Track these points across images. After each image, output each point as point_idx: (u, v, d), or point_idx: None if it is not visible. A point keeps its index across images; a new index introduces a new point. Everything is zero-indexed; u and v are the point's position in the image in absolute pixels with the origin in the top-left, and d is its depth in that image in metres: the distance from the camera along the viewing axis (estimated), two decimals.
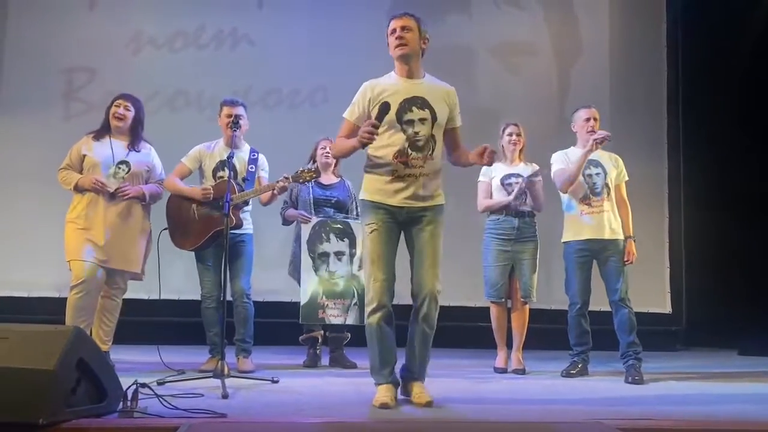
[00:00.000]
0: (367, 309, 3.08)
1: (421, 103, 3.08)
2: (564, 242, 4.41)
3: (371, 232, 3.08)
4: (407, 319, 3.16)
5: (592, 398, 3.45)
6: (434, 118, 3.09)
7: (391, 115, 3.03)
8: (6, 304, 5.62)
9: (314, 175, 4.22)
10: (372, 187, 3.12)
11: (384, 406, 2.95)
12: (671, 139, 6.67)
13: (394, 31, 3.10)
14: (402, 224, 3.13)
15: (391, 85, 3.12)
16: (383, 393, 3.03)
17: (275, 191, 4.19)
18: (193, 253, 4.31)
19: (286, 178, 4.14)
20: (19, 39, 6.15)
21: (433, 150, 3.10)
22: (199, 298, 4.36)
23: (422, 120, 3.06)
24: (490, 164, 3.19)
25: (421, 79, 3.16)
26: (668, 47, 6.75)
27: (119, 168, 4.10)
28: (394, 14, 3.14)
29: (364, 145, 3.00)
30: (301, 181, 4.21)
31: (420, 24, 3.12)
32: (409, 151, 3.06)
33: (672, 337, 6.44)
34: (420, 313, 3.09)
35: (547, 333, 5.17)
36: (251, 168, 4.32)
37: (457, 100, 3.20)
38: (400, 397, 3.14)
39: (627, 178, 4.44)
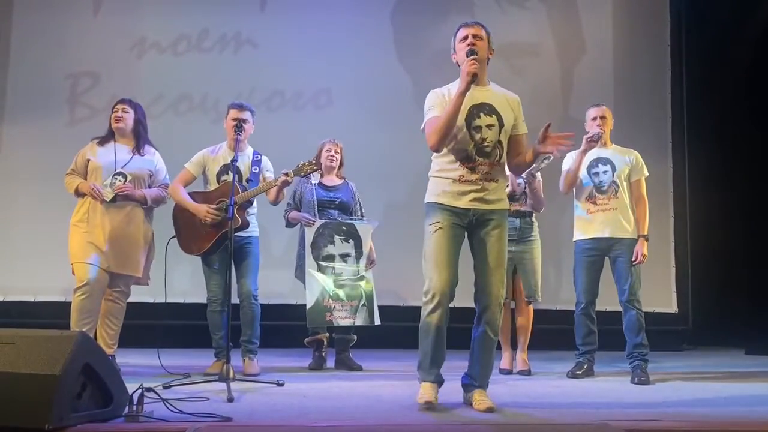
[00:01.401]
0: (426, 307, 3.05)
1: (489, 109, 3.11)
2: (574, 241, 4.40)
3: (435, 231, 3.07)
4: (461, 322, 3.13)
5: (599, 399, 3.43)
6: (501, 124, 3.12)
7: (460, 120, 3.05)
8: (12, 308, 5.64)
9: (315, 167, 4.22)
10: (438, 190, 3.13)
11: (429, 404, 2.98)
12: (676, 138, 6.64)
13: (465, 38, 3.13)
14: (467, 228, 3.12)
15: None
16: (427, 390, 3.04)
17: (279, 185, 4.18)
18: (198, 257, 4.32)
19: (287, 174, 4.14)
20: (24, 44, 6.17)
21: (500, 156, 3.13)
22: (205, 302, 4.36)
23: (489, 126, 3.09)
24: (557, 149, 3.10)
25: (487, 86, 3.19)
26: (672, 45, 6.73)
27: (115, 179, 4.11)
28: (466, 22, 3.21)
29: (473, 76, 2.98)
30: (302, 174, 4.21)
31: (489, 34, 3.19)
32: (476, 156, 3.08)
33: (678, 336, 6.42)
34: (483, 318, 3.09)
35: (553, 333, 5.17)
36: (255, 170, 4.33)
37: (521, 108, 3.23)
38: (461, 404, 3.14)
39: (647, 174, 4.36)
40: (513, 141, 3.20)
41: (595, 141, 4.24)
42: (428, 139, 3.10)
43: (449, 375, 3.21)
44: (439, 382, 3.12)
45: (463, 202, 3.08)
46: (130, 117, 4.23)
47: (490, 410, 2.95)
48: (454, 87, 3.14)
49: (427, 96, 3.21)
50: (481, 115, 3.10)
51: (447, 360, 3.15)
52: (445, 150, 3.10)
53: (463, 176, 3.08)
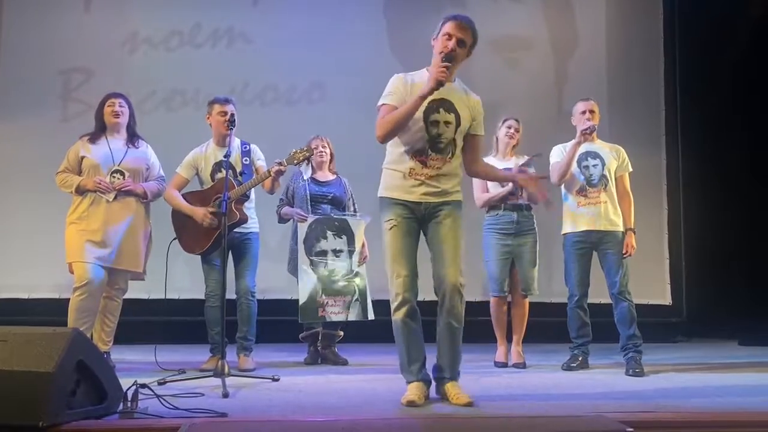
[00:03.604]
0: (392, 306, 3.04)
1: (449, 106, 3.08)
2: (563, 234, 4.41)
3: (390, 228, 3.07)
4: (434, 315, 3.11)
5: (594, 391, 3.45)
6: (458, 123, 3.09)
7: (418, 113, 3.01)
8: (6, 306, 5.61)
9: (307, 154, 4.17)
10: (390, 184, 3.12)
11: (411, 404, 2.92)
12: (669, 131, 6.66)
13: (450, 37, 3.04)
14: (421, 220, 3.11)
15: (424, 83, 3.03)
16: (412, 391, 2.99)
17: (272, 175, 4.15)
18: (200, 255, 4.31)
19: (280, 163, 4.12)
20: (15, 41, 6.13)
21: (452, 154, 3.10)
22: (200, 297, 4.36)
23: (447, 123, 3.07)
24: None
25: (452, 83, 3.14)
26: (665, 38, 6.73)
27: (114, 177, 4.10)
28: (455, 16, 3.09)
29: (439, 84, 2.93)
30: (295, 162, 4.16)
31: (476, 40, 3.11)
32: (430, 151, 3.06)
33: (672, 328, 6.44)
34: (444, 307, 3.05)
35: (547, 326, 5.17)
36: (245, 161, 4.31)
37: (482, 110, 3.20)
38: (435, 398, 3.09)
39: (631, 170, 4.41)
40: (469, 141, 3.17)
41: (589, 134, 4.26)
42: (377, 129, 3.07)
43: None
44: (425, 380, 3.06)
45: (415, 196, 3.07)
46: (127, 112, 4.24)
47: (469, 405, 2.92)
48: (418, 76, 3.12)
49: (391, 78, 3.16)
50: (441, 110, 3.06)
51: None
52: (398, 141, 3.09)
53: (414, 170, 3.07)
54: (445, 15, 3.14)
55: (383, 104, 3.12)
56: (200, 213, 4.16)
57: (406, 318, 3.01)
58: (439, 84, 2.94)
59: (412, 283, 3.03)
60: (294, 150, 4.16)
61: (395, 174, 3.11)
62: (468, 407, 2.89)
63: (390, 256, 3.07)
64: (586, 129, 4.24)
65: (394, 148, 3.13)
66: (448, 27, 3.07)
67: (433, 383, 3.12)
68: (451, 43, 3.03)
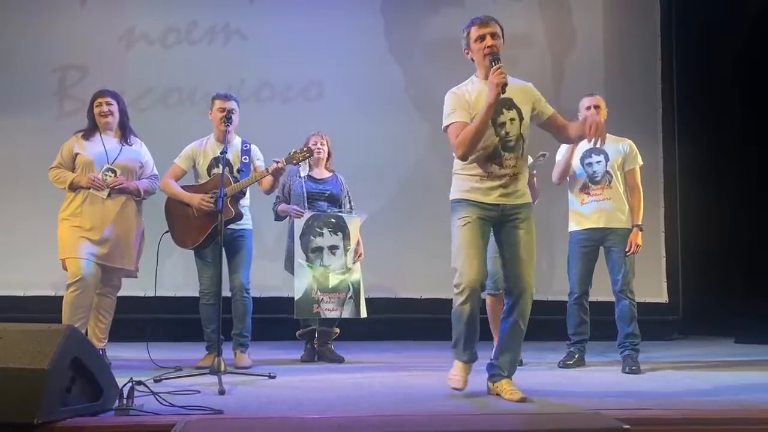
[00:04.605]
0: (457, 298, 3.10)
1: (510, 104, 3.14)
2: (569, 232, 4.39)
3: (464, 225, 3.12)
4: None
5: (590, 389, 3.45)
6: (521, 117, 3.15)
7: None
8: (2, 303, 5.60)
9: (307, 155, 4.19)
10: (466, 187, 3.16)
11: (456, 390, 3.14)
12: (666, 129, 6.65)
13: (482, 38, 3.12)
14: (494, 223, 3.17)
15: (478, 89, 3.14)
16: (459, 371, 3.16)
17: (271, 174, 4.15)
18: (191, 250, 4.30)
19: (279, 162, 4.11)
20: (10, 37, 6.09)
21: (522, 149, 3.17)
22: (196, 295, 4.35)
23: (512, 120, 3.13)
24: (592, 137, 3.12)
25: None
26: (662, 37, 6.73)
27: (106, 175, 4.09)
28: (479, 18, 3.17)
29: (503, 87, 2.97)
30: (294, 162, 4.18)
31: (502, 28, 3.17)
32: (503, 152, 3.12)
33: (669, 326, 6.44)
34: (515, 309, 3.13)
35: (545, 324, 5.15)
36: (244, 159, 4.31)
37: (537, 93, 3.24)
38: (488, 395, 3.16)
39: (641, 162, 4.33)
40: (549, 124, 3.25)
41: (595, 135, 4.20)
42: (456, 149, 3.11)
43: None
44: (472, 360, 3.20)
45: (492, 198, 3.12)
46: (115, 110, 4.21)
47: (522, 401, 2.97)
48: (471, 86, 3.17)
49: (446, 97, 3.20)
50: (503, 110, 3.12)
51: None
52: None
53: (492, 173, 3.12)
54: (462, 27, 3.22)
55: (452, 123, 3.14)
56: (197, 198, 4.15)
57: (470, 311, 3.08)
58: (503, 88, 2.98)
59: (481, 280, 3.09)
60: (293, 150, 4.16)
61: (471, 178, 3.15)
62: (521, 403, 2.95)
63: (461, 251, 3.10)
64: (590, 125, 4.18)
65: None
66: (474, 31, 3.16)
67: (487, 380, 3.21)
68: (488, 42, 3.10)
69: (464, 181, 3.18)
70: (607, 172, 4.27)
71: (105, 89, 4.28)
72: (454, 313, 3.15)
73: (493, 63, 3.02)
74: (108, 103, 4.18)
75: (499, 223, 3.17)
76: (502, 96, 3.02)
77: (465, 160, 3.12)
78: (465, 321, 3.10)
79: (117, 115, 4.21)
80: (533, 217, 3.20)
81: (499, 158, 3.11)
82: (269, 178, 4.23)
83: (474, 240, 3.09)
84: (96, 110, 4.18)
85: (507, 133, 3.12)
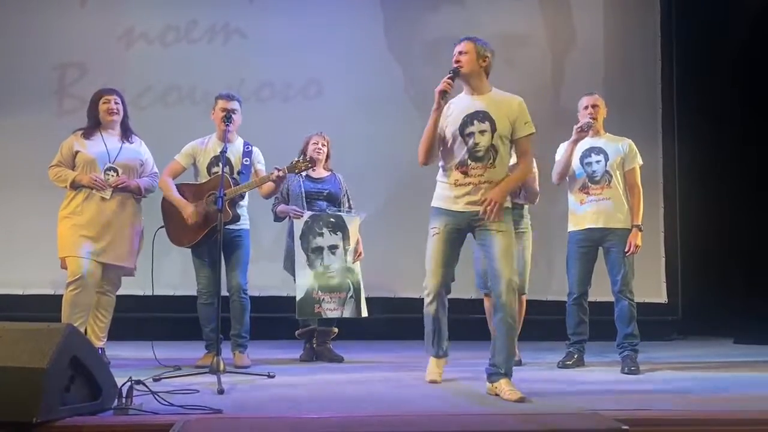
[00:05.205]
0: (425, 300, 3.46)
1: (483, 116, 3.31)
2: (568, 232, 4.39)
3: (433, 235, 3.40)
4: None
5: (589, 389, 3.45)
6: (494, 129, 3.29)
7: (455, 130, 3.32)
8: (1, 301, 5.59)
9: (309, 165, 4.21)
10: (440, 195, 3.43)
11: (433, 382, 3.50)
12: (666, 129, 6.65)
13: (454, 56, 3.38)
14: (466, 229, 3.38)
15: (458, 102, 3.40)
16: (433, 366, 3.58)
17: (273, 180, 4.15)
18: (188, 249, 4.29)
19: (281, 170, 4.11)
20: (10, 36, 6.09)
21: (493, 159, 3.30)
22: (195, 294, 4.35)
23: (482, 132, 3.29)
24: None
25: (484, 95, 3.38)
26: (662, 37, 6.72)
27: (108, 174, 4.09)
28: (459, 40, 3.42)
29: (441, 94, 3.26)
30: (296, 171, 4.19)
31: (477, 45, 3.36)
32: (469, 161, 3.30)
33: (668, 326, 6.44)
34: (500, 305, 3.23)
35: (544, 324, 5.18)
36: (246, 161, 4.31)
37: (522, 110, 3.37)
38: (487, 395, 3.20)
39: (641, 162, 4.31)
40: (514, 144, 3.41)
41: (585, 131, 4.22)
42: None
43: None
44: (441, 356, 3.58)
45: (460, 206, 3.33)
46: (121, 109, 4.23)
47: (521, 400, 3.00)
48: (454, 99, 3.41)
49: None
50: (475, 122, 3.31)
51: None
52: (444, 157, 3.40)
53: (458, 180, 3.33)
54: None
55: None
56: (189, 211, 4.14)
57: (435, 312, 3.45)
58: (441, 94, 3.27)
59: (444, 286, 3.43)
60: (296, 159, 4.19)
61: (444, 185, 3.41)
62: (520, 402, 2.99)
63: (428, 260, 3.41)
64: (581, 126, 4.20)
65: (443, 163, 3.42)
66: (454, 50, 3.41)
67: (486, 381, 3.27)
68: (455, 58, 3.37)
69: (439, 189, 3.44)
70: (606, 171, 4.26)
71: (109, 88, 4.30)
72: (424, 314, 3.51)
73: (449, 73, 3.30)
74: (116, 102, 4.20)
75: (471, 228, 3.36)
76: (474, 108, 3.31)
77: (423, 165, 3.43)
78: (432, 321, 3.48)
79: (122, 115, 4.22)
80: (510, 219, 3.33)
81: (465, 167, 3.31)
82: (270, 184, 4.23)
83: (441, 250, 3.37)
84: (103, 107, 4.18)
85: (476, 144, 3.28)
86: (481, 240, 3.33)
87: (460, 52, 3.35)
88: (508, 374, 3.17)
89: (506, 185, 3.30)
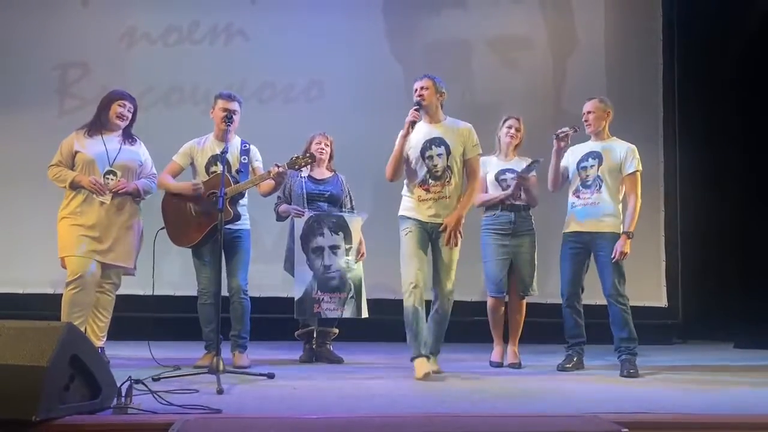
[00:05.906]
0: (404, 296, 3.82)
1: (439, 141, 3.91)
2: (562, 233, 4.39)
3: (406, 234, 3.89)
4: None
5: (588, 392, 3.45)
6: (449, 152, 3.89)
7: (417, 153, 3.90)
8: (1, 300, 5.59)
9: (309, 161, 4.19)
10: (407, 206, 3.97)
11: (426, 376, 3.66)
12: (667, 133, 6.64)
13: (416, 91, 3.94)
14: (430, 234, 3.89)
15: (418, 129, 3.93)
16: (420, 365, 3.73)
17: (273, 177, 4.15)
18: (189, 249, 4.29)
19: (281, 166, 4.11)
20: (11, 35, 6.10)
21: (450, 177, 3.90)
22: (195, 294, 4.34)
23: (439, 155, 3.89)
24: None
25: (440, 123, 3.98)
26: (664, 40, 6.72)
27: (107, 179, 4.09)
28: (419, 77, 3.98)
29: (409, 124, 3.83)
30: (296, 167, 4.18)
31: (435, 82, 3.93)
32: (430, 180, 3.88)
33: (668, 330, 6.43)
34: (435, 306, 3.93)
35: (543, 327, 5.16)
36: (243, 159, 4.31)
37: (472, 136, 3.97)
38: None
39: (640, 168, 4.24)
40: (465, 165, 3.96)
41: (560, 139, 4.23)
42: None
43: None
44: (427, 355, 3.80)
45: (424, 217, 3.90)
46: (131, 117, 4.25)
47: (431, 372, 3.68)
48: (417, 127, 3.92)
49: None
50: (432, 146, 3.90)
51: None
52: (407, 176, 3.96)
53: (420, 196, 3.91)
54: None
55: None
56: (189, 186, 4.17)
57: (413, 303, 3.78)
58: (411, 124, 3.83)
59: (420, 276, 3.81)
60: (296, 155, 4.16)
61: (410, 199, 3.96)
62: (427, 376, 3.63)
63: (403, 256, 3.86)
64: (557, 134, 4.24)
65: (407, 181, 3.99)
66: (414, 86, 3.98)
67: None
68: (417, 93, 3.93)
69: (406, 201, 3.98)
70: (597, 176, 4.25)
71: (125, 91, 4.30)
72: (404, 314, 3.84)
73: (415, 106, 3.86)
74: (129, 109, 4.22)
75: (431, 238, 3.90)
76: (431, 135, 3.90)
77: (390, 182, 3.95)
78: (411, 316, 3.79)
79: (128, 121, 4.24)
80: (460, 230, 3.84)
81: (426, 185, 3.90)
82: (269, 182, 4.23)
83: (413, 246, 3.85)
84: (117, 110, 4.18)
85: (435, 165, 3.88)
86: (434, 250, 3.90)
87: (422, 87, 3.89)
88: (434, 353, 3.89)
89: (462, 210, 3.89)
